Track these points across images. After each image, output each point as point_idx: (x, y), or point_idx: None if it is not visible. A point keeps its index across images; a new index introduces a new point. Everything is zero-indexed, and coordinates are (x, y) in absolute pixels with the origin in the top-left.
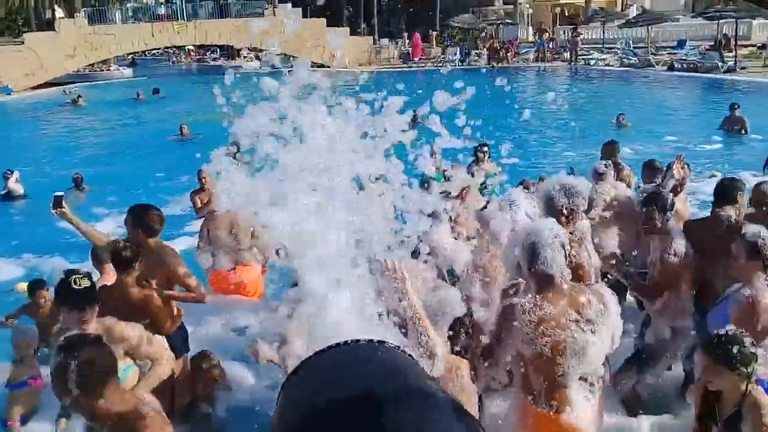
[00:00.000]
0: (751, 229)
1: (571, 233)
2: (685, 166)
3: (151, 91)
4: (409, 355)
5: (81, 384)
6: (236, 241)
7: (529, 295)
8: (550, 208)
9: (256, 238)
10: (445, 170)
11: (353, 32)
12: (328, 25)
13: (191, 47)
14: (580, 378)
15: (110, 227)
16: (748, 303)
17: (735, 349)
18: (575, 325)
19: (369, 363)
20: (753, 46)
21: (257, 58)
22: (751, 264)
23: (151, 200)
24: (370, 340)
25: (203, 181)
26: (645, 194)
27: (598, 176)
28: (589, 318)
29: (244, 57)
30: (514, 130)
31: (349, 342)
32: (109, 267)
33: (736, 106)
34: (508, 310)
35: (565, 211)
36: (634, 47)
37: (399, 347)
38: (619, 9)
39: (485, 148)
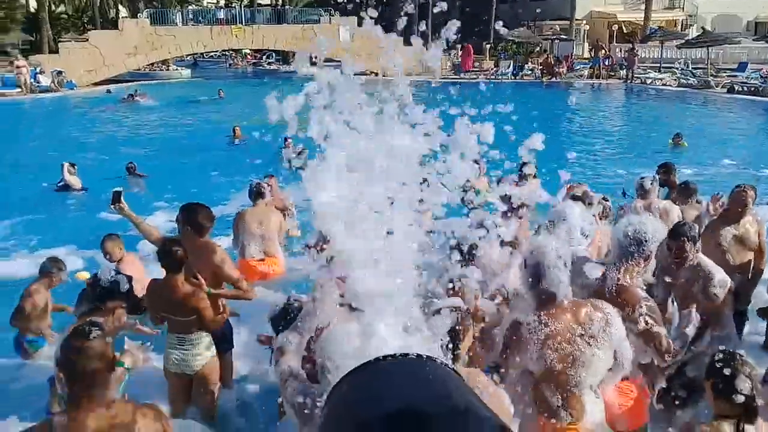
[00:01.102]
0: None
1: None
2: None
3: (216, 92)
4: (457, 373)
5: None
6: (264, 232)
7: (535, 313)
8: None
9: (285, 230)
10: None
11: (406, 42)
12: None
13: (248, 51)
14: (590, 387)
15: (161, 221)
16: None
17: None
18: (580, 339)
19: (417, 379)
20: None
21: (312, 64)
22: None
23: (201, 198)
24: (419, 355)
25: (269, 186)
26: (673, 227)
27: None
28: (592, 333)
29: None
30: (566, 147)
31: (396, 355)
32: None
33: None
34: (515, 328)
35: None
36: (693, 68)
37: (447, 364)
38: (678, 29)
39: (531, 166)
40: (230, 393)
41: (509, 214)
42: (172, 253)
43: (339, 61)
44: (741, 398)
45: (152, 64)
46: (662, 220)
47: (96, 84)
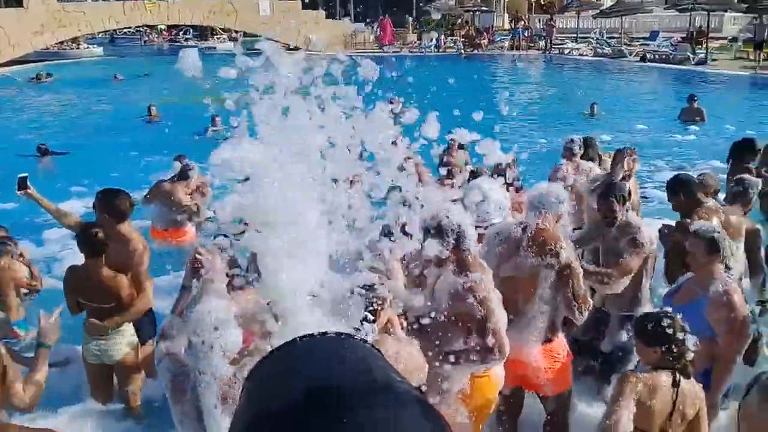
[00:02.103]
0: (701, 224)
1: None
2: (636, 158)
3: (117, 74)
4: (377, 350)
5: None
6: (173, 206)
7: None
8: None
9: (192, 205)
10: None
11: (329, 16)
12: (303, 8)
13: (163, 27)
14: None
15: (77, 206)
16: (727, 301)
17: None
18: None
19: (336, 357)
20: (724, 38)
21: (231, 39)
22: (711, 258)
23: (119, 181)
24: (338, 333)
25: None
26: (600, 185)
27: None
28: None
29: (217, 38)
30: (487, 117)
31: (315, 334)
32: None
33: (694, 98)
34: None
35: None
36: (607, 37)
37: (366, 341)
38: None
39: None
40: (155, 383)
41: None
42: (91, 237)
43: (257, 36)
44: (671, 346)
45: (61, 42)
46: (587, 179)
47: (0, 65)
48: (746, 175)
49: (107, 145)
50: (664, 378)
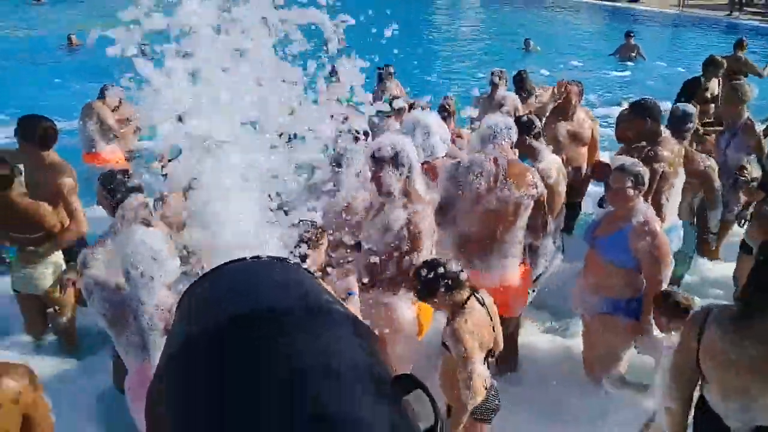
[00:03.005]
0: (626, 160)
1: None
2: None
3: None
4: (310, 272)
5: None
6: (101, 126)
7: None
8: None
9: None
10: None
11: None
12: None
13: None
14: None
15: None
16: (650, 231)
17: None
18: None
19: (268, 280)
20: None
21: None
22: (635, 193)
23: (42, 110)
24: (270, 257)
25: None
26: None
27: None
28: None
29: None
30: (422, 54)
31: (248, 258)
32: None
33: (630, 34)
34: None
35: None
36: None
37: (299, 264)
38: None
39: (390, 69)
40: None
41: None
42: None
43: None
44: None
45: None
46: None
47: None
48: (683, 104)
49: (27, 72)
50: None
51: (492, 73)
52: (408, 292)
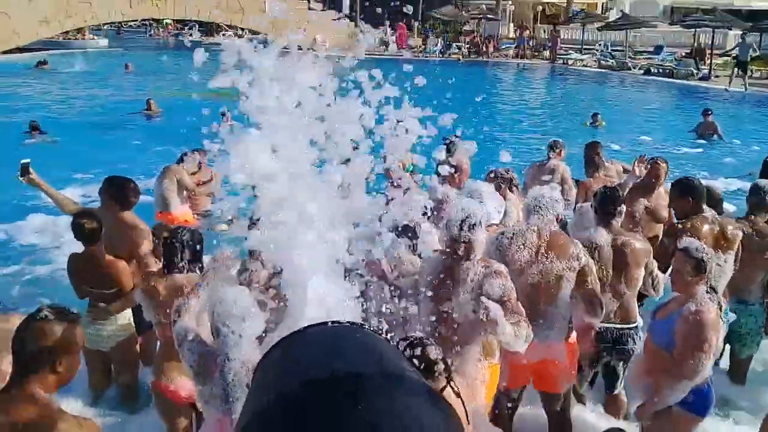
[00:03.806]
0: (692, 243)
1: None
2: (657, 166)
3: (124, 66)
4: (388, 339)
5: None
6: (179, 189)
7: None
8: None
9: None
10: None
11: (334, 17)
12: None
13: (169, 21)
14: None
15: (75, 194)
16: (696, 319)
17: None
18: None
19: (348, 344)
20: (728, 55)
21: (237, 36)
22: (695, 279)
23: (118, 172)
24: (350, 322)
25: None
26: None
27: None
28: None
29: (224, 34)
30: (490, 124)
31: (327, 323)
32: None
33: (709, 112)
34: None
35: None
36: (612, 50)
37: (378, 331)
38: (599, 11)
39: (457, 140)
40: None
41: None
42: (80, 226)
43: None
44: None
45: (67, 32)
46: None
47: (5, 52)
48: (762, 180)
49: (109, 136)
50: None
51: (549, 143)
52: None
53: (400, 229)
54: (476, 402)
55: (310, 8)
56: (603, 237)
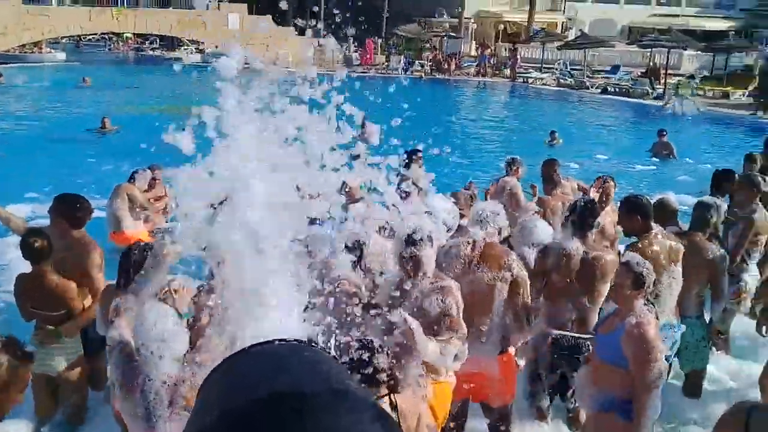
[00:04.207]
0: (633, 258)
1: None
2: (607, 185)
3: (81, 79)
4: (334, 357)
5: None
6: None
7: None
8: None
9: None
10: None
11: (298, 32)
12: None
13: (129, 35)
14: None
15: (26, 211)
16: (639, 332)
17: None
18: None
19: (294, 362)
20: (682, 75)
21: (198, 51)
22: (634, 292)
23: (72, 189)
24: (296, 340)
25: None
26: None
27: None
28: None
29: (185, 49)
30: (452, 141)
31: (274, 341)
32: None
33: (663, 132)
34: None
35: None
36: (571, 69)
37: (324, 348)
38: (559, 31)
39: (419, 155)
40: (100, 396)
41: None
42: (29, 245)
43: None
44: None
45: (23, 45)
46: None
47: None
48: (706, 198)
49: (62, 151)
50: None
51: (506, 161)
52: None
53: (348, 246)
54: (420, 419)
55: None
56: (575, 247)
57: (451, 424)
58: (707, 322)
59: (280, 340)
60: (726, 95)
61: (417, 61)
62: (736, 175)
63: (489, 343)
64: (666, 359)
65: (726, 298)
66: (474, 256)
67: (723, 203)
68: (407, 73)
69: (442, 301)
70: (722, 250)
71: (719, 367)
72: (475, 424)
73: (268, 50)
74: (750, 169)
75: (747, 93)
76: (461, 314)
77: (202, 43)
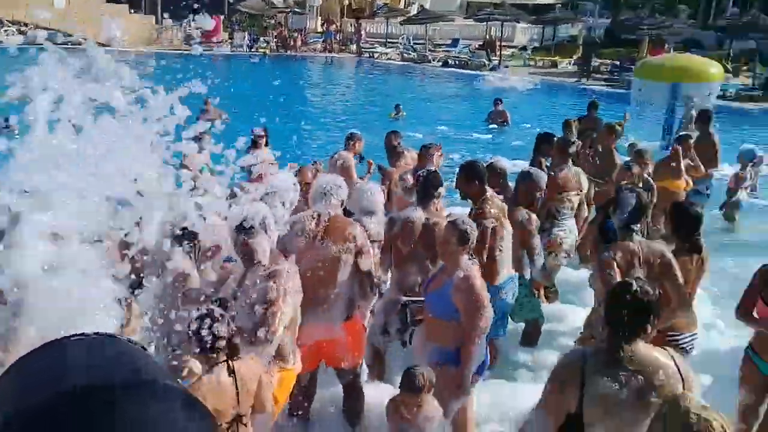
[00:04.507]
0: (459, 217)
1: None
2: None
3: None
4: (143, 348)
5: None
6: None
7: None
8: None
9: None
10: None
11: (133, 9)
12: (106, 1)
13: None
14: None
15: None
16: (467, 285)
17: None
18: None
19: (102, 354)
20: (515, 47)
21: (20, 32)
22: (460, 248)
23: None
24: (105, 333)
25: None
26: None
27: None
28: None
29: (5, 31)
30: (299, 118)
31: (81, 334)
32: None
33: (499, 101)
34: None
35: None
36: (414, 44)
37: (131, 340)
38: (402, 6)
39: (261, 134)
40: None
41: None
42: None
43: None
44: None
45: None
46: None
47: None
48: (527, 168)
49: None
50: None
51: (346, 136)
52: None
53: (179, 232)
54: (260, 384)
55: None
56: (418, 215)
57: (300, 397)
58: (528, 279)
59: (81, 334)
60: (555, 64)
61: (262, 38)
62: (555, 139)
63: (336, 311)
64: (509, 306)
65: (541, 256)
66: (319, 231)
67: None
68: (252, 50)
69: (266, 288)
70: (531, 214)
71: (551, 316)
72: (329, 389)
73: (99, 29)
74: (567, 134)
75: (573, 62)
76: (288, 298)
77: (25, 24)
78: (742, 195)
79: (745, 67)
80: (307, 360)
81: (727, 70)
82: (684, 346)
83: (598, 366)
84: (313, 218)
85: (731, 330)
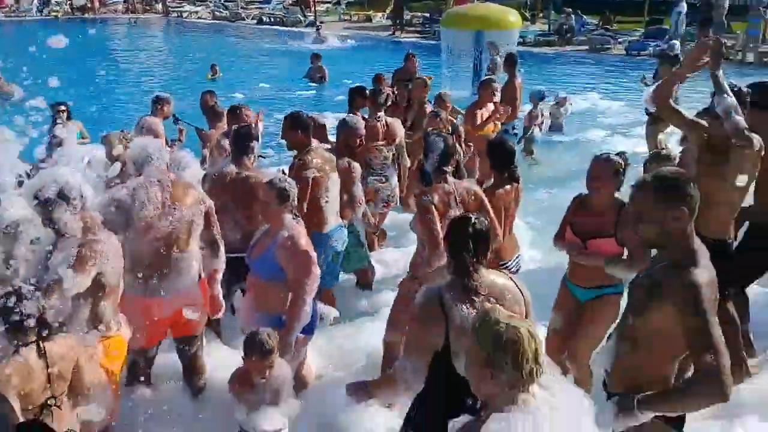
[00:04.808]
0: (276, 176)
1: None
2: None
3: None
4: None
5: None
6: None
7: None
8: None
9: None
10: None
11: None
12: None
13: None
14: None
15: None
16: (292, 243)
17: None
18: None
19: None
20: (329, 2)
21: None
22: (281, 207)
23: None
24: None
25: None
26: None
27: None
28: None
29: None
30: (105, 85)
31: None
32: None
33: (317, 57)
34: None
35: None
36: (224, 2)
37: None
38: None
39: (62, 107)
40: None
41: None
42: None
43: None
44: None
45: None
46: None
47: None
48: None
49: None
50: None
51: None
52: None
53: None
54: (78, 365)
55: None
56: (229, 169)
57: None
58: (357, 228)
59: None
60: (369, 19)
61: (54, 0)
62: (367, 91)
63: (190, 275)
64: (339, 254)
65: (362, 204)
66: (166, 196)
67: (357, 119)
68: (42, 14)
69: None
70: (353, 162)
71: (382, 261)
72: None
73: None
74: (378, 87)
75: (386, 15)
76: (107, 267)
77: None
78: (536, 131)
79: (541, 14)
80: (154, 335)
81: (525, 18)
82: (511, 267)
83: (455, 298)
84: (156, 185)
85: (550, 257)
